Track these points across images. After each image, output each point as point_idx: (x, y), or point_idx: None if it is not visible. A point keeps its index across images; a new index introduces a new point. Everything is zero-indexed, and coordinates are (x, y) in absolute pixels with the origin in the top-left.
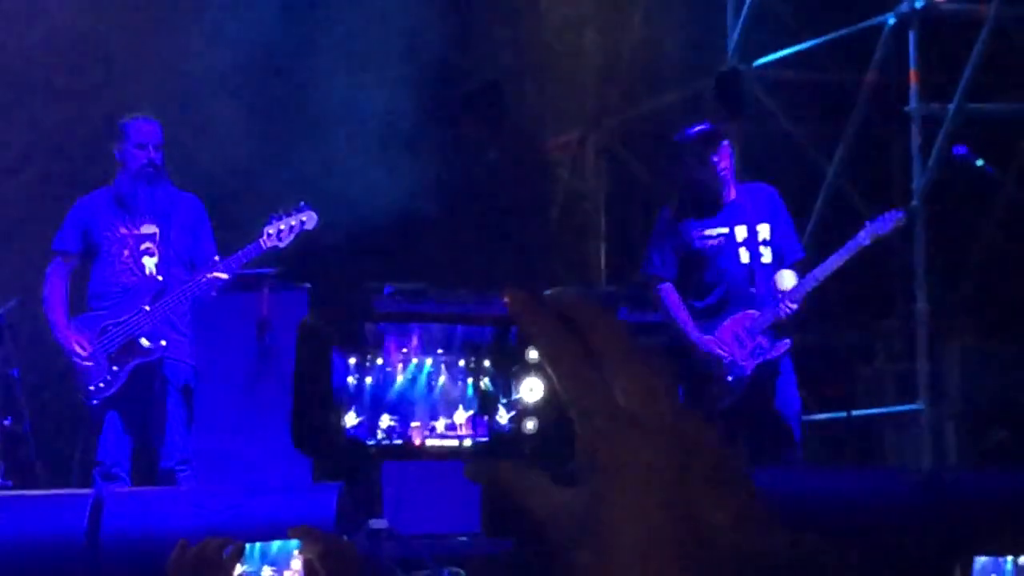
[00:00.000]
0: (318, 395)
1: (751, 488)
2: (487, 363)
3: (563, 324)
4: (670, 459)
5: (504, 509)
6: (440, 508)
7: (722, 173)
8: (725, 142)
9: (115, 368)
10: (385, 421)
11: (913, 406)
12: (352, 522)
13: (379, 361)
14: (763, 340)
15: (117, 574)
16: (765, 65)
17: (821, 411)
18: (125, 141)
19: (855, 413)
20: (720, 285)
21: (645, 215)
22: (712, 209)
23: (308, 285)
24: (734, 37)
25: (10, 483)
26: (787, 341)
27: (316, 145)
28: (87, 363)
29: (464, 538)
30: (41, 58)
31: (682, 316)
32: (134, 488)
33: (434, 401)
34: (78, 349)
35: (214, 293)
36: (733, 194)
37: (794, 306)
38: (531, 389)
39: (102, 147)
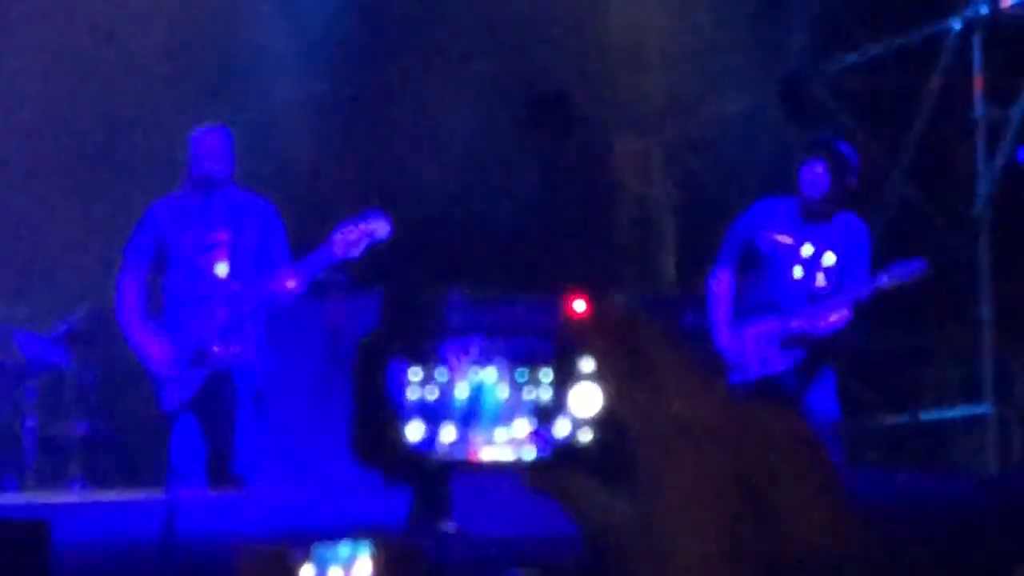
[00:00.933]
0: (378, 408)
1: (841, 490)
2: (547, 375)
3: (617, 335)
4: (726, 469)
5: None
6: (511, 511)
7: (807, 188)
8: (815, 158)
9: (189, 374)
10: (447, 434)
11: (979, 409)
12: (423, 525)
13: (440, 373)
14: (774, 351)
15: None
16: (830, 71)
17: (887, 414)
18: (191, 150)
19: (921, 417)
20: (767, 290)
21: (713, 221)
22: (793, 216)
23: (379, 291)
24: (799, 42)
25: (88, 487)
26: (794, 358)
27: (388, 151)
28: (161, 369)
29: (536, 541)
30: (111, 62)
31: (717, 307)
32: (208, 493)
33: (495, 413)
34: (151, 358)
35: (286, 299)
36: (826, 214)
37: (826, 325)
38: (587, 400)
39: (176, 153)
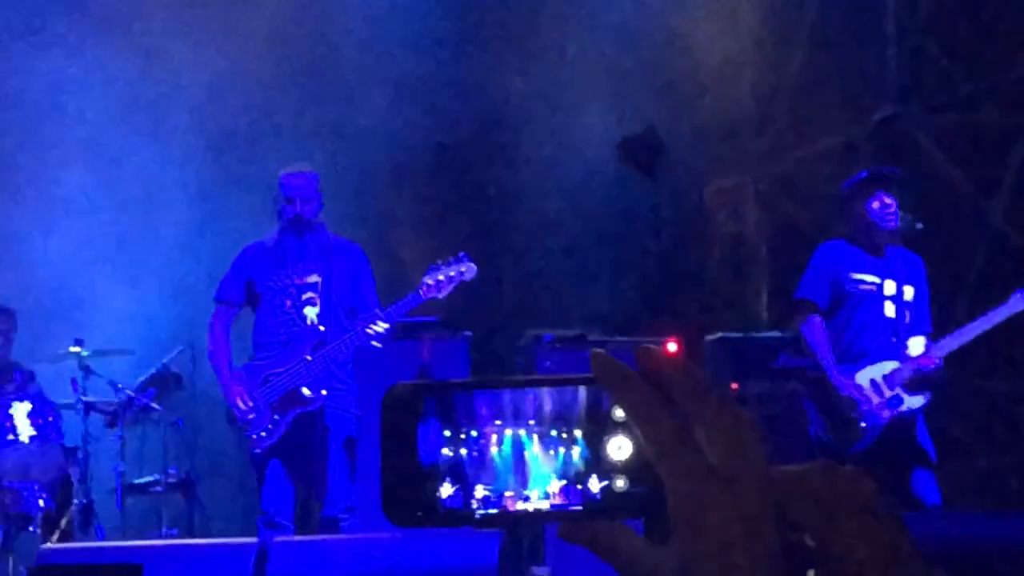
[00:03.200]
0: (408, 469)
1: (902, 531)
2: (579, 430)
3: (648, 381)
4: (763, 519)
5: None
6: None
7: (880, 221)
8: (884, 190)
9: (277, 417)
10: (480, 491)
11: None
12: (515, 569)
13: (472, 431)
14: (901, 393)
15: None
16: (924, 109)
17: (985, 456)
18: (279, 193)
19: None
20: (864, 332)
21: (805, 260)
22: (868, 256)
23: (469, 333)
24: (893, 81)
25: (176, 531)
26: (924, 396)
27: (475, 194)
28: (250, 413)
29: None
30: (205, 98)
31: (826, 355)
32: (298, 537)
33: (527, 471)
34: (239, 400)
35: (375, 342)
36: (894, 248)
37: (935, 363)
38: (619, 448)
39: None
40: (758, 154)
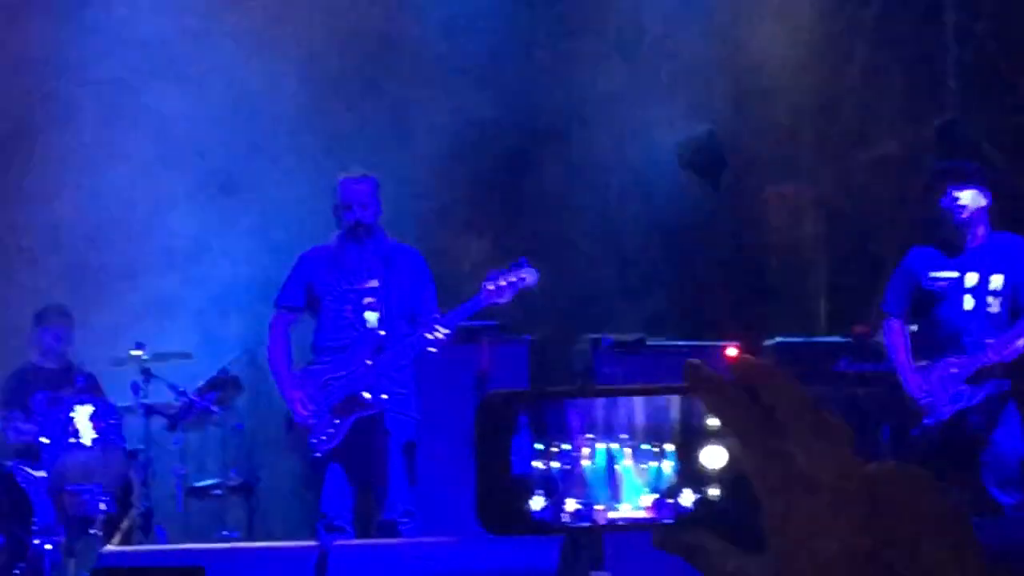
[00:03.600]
0: (502, 480)
1: (969, 533)
2: (671, 441)
3: (743, 390)
4: (857, 526)
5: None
6: (664, 561)
7: (961, 214)
8: (967, 184)
9: (337, 421)
10: (571, 505)
11: None
12: (574, 574)
13: (563, 442)
14: (964, 388)
15: None
16: (985, 113)
17: None
18: (339, 198)
19: None
20: (941, 328)
21: (866, 265)
22: (949, 251)
23: (528, 338)
24: (953, 85)
25: (236, 534)
26: (987, 389)
27: (535, 196)
28: (310, 417)
29: None
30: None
31: (898, 355)
32: (358, 541)
33: (618, 485)
34: (299, 405)
35: (435, 347)
36: (979, 239)
37: (1000, 357)
38: (713, 457)
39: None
40: (818, 158)
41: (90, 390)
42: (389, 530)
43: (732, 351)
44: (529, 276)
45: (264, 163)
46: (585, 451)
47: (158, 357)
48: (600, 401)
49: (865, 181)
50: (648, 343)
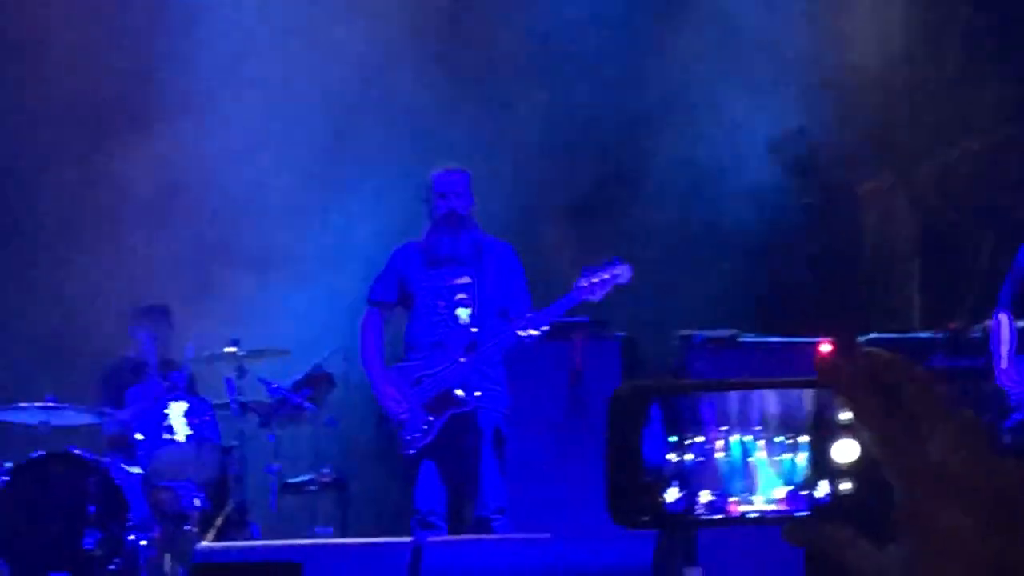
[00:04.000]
0: (634, 472)
1: None
2: (804, 433)
3: (876, 382)
4: (991, 520)
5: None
6: (756, 557)
7: None
8: None
9: (430, 418)
10: (705, 497)
11: None
12: (668, 569)
13: (696, 435)
14: None
15: None
16: None
17: None
18: (431, 192)
19: None
20: None
21: (958, 260)
22: None
23: (621, 334)
24: None
25: (331, 530)
26: None
27: (627, 191)
28: (403, 413)
29: None
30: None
31: (997, 347)
32: (451, 537)
33: (752, 476)
34: (393, 402)
35: (527, 344)
36: None
37: None
38: (845, 450)
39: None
40: (911, 153)
41: (185, 387)
42: (482, 527)
43: (825, 347)
44: (623, 273)
45: (355, 164)
46: (719, 443)
47: (253, 354)
48: (733, 393)
49: (959, 175)
50: (741, 339)
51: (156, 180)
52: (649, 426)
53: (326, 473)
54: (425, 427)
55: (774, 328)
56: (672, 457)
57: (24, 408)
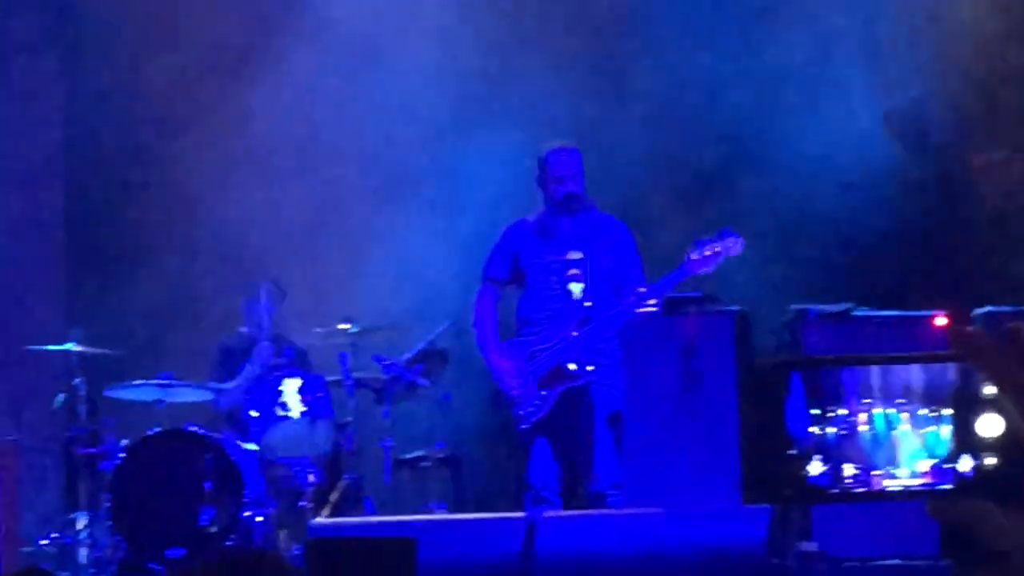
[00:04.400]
0: (776, 444)
1: None
2: (948, 407)
3: (1019, 359)
4: None
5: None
6: (872, 532)
7: None
8: None
9: (543, 393)
10: (848, 470)
11: None
12: (783, 544)
13: (839, 409)
14: None
15: None
16: None
17: None
18: (544, 173)
19: None
20: None
21: None
22: None
23: (735, 308)
24: None
25: (444, 506)
26: None
27: (738, 166)
28: (517, 389)
29: (898, 561)
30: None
31: None
32: (566, 512)
33: (896, 449)
34: (507, 377)
35: (641, 318)
36: None
37: None
38: (990, 424)
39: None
40: None
41: (299, 363)
42: (597, 502)
43: (941, 320)
44: (735, 245)
45: (467, 142)
46: (862, 416)
47: (366, 330)
48: (875, 367)
49: None
50: (855, 313)
51: (269, 154)
52: (791, 399)
53: (440, 449)
54: (538, 402)
55: (891, 302)
56: (815, 430)
57: (139, 386)
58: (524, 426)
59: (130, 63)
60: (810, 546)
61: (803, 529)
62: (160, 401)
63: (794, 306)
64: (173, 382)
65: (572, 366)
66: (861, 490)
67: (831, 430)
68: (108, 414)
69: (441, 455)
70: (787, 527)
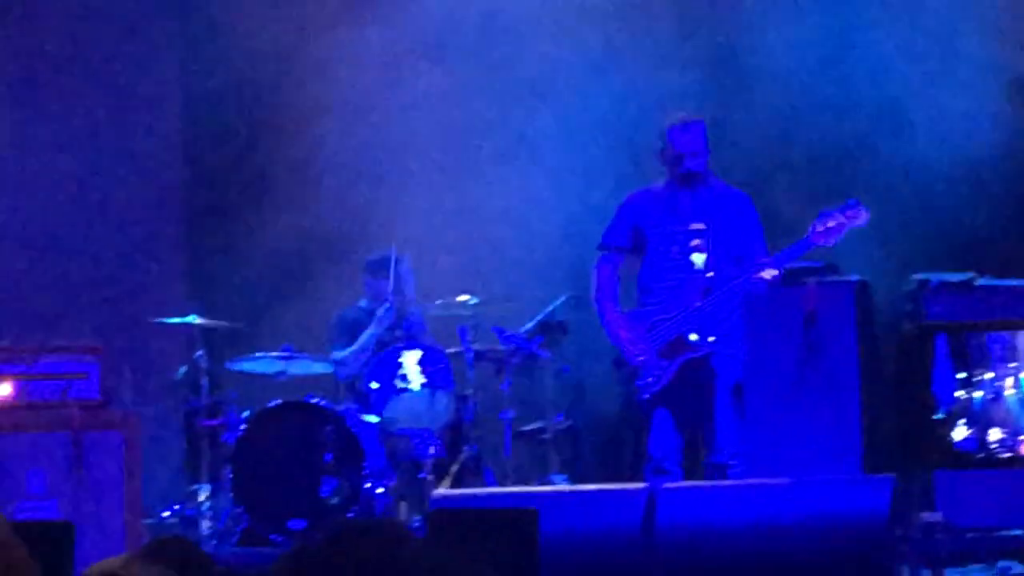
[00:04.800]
0: (924, 407)
1: None
2: None
3: None
4: None
5: None
6: (996, 501)
7: None
8: None
9: (665, 363)
10: (994, 434)
11: None
12: (906, 515)
13: (986, 373)
14: None
15: (673, 568)
16: None
17: None
18: (667, 147)
19: None
20: None
21: None
22: None
23: (856, 278)
24: None
25: (564, 478)
26: None
27: (854, 138)
28: (637, 358)
29: (1021, 532)
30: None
31: None
32: (686, 483)
33: None
34: (630, 345)
35: (762, 288)
36: None
37: None
38: None
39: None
40: None
41: (418, 335)
42: (718, 472)
43: None
44: (860, 217)
45: (589, 119)
46: (1008, 380)
47: (485, 302)
48: (1021, 331)
49: None
50: (978, 283)
51: (396, 131)
52: (938, 364)
53: (559, 421)
54: (659, 372)
55: (1011, 271)
56: (960, 394)
57: (260, 358)
58: (645, 396)
59: (244, 33)
60: (933, 516)
61: (927, 498)
62: (281, 372)
63: (916, 276)
64: (294, 354)
65: (694, 337)
66: (1007, 455)
67: (977, 394)
68: (229, 386)
69: (560, 427)
70: (911, 496)
